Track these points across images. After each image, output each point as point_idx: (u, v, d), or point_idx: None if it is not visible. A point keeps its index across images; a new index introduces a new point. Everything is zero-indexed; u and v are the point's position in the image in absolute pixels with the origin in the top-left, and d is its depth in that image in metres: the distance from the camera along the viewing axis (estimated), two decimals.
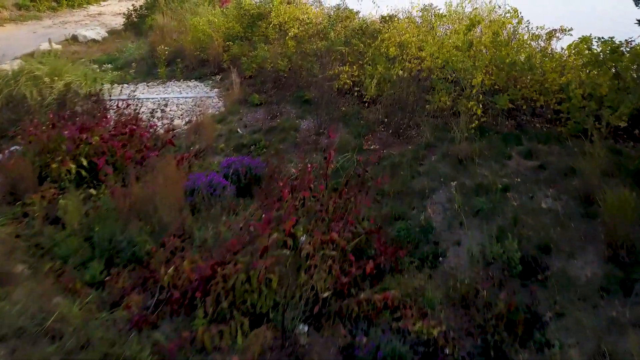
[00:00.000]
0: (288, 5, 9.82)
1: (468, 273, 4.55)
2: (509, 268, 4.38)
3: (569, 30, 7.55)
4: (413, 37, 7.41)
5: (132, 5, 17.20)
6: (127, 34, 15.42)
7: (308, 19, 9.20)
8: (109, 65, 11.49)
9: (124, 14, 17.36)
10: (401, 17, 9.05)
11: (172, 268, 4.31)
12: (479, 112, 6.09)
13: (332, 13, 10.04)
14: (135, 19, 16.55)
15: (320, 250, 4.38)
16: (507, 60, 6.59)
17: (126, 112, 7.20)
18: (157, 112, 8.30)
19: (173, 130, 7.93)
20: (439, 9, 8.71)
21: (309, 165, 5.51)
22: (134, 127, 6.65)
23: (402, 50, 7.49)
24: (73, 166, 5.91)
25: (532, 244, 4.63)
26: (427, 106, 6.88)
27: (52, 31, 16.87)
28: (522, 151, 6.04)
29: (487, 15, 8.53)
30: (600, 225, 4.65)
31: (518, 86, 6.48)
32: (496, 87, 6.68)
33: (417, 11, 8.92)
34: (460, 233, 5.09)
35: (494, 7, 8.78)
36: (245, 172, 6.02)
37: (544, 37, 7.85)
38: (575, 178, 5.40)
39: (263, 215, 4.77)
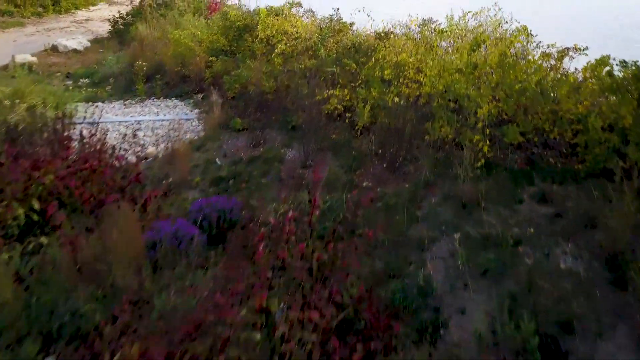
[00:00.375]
0: (276, 18, 9.08)
1: (475, 353, 3.81)
2: (524, 353, 3.64)
3: (583, 50, 6.81)
4: (411, 57, 6.66)
5: (119, 12, 16.46)
6: (110, 44, 14.70)
7: (297, 32, 8.45)
8: (86, 80, 10.76)
9: (109, 20, 16.63)
10: (398, 32, 8.31)
11: (118, 355, 3.58)
12: (485, 149, 5.35)
13: (324, 25, 9.29)
14: (121, 26, 15.83)
15: (298, 332, 3.65)
16: (516, 87, 5.85)
17: (93, 141, 6.46)
18: (129, 138, 7.54)
19: (146, 159, 7.21)
20: (439, 24, 7.96)
21: (290, 213, 4.81)
22: (97, 161, 5.91)
23: (399, 72, 6.74)
24: (21, 211, 5.16)
25: (551, 319, 3.88)
26: (426, 137, 6.13)
27: (34, 39, 16.14)
28: (534, 193, 5.29)
29: (492, 31, 7.79)
30: (633, 297, 3.91)
31: (529, 116, 5.74)
32: (504, 116, 5.95)
33: (415, 25, 8.18)
34: (465, 297, 4.35)
35: (500, 21, 8.03)
36: (218, 217, 5.28)
37: (555, 56, 7.12)
38: (598, 230, 4.66)
39: (236, 270, 4.06)
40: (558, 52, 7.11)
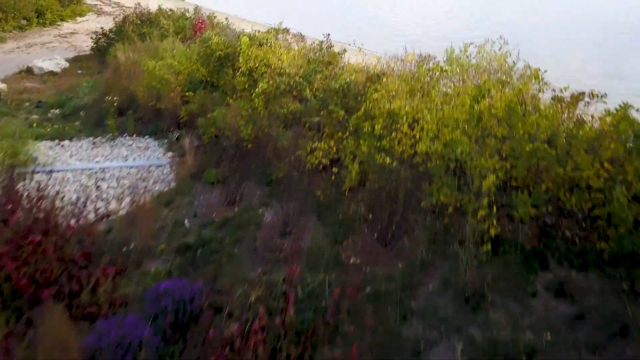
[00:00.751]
0: (260, 48, 8.26)
1: None
2: None
3: (602, 97, 6.01)
4: (405, 104, 5.85)
5: (102, 28, 15.63)
6: (90, 64, 13.93)
7: (281, 67, 7.63)
8: (57, 111, 9.95)
9: (91, 37, 15.80)
10: (393, 66, 7.51)
11: None
12: (492, 231, 4.53)
13: (311, 56, 8.48)
14: (104, 43, 15.05)
15: None
16: (527, 147, 5.05)
17: (42, 203, 5.67)
18: (91, 190, 6.74)
19: (107, 217, 6.41)
20: (437, 60, 7.16)
21: (260, 311, 4.05)
22: (44, 233, 5.11)
23: (392, 122, 5.93)
24: None
25: None
26: (422, 202, 5.33)
27: (12, 57, 15.30)
28: (550, 283, 4.48)
29: (497, 69, 7.00)
30: None
31: (543, 186, 4.93)
32: (513, 182, 5.14)
33: (412, 60, 7.36)
34: None
35: (506, 56, 7.22)
36: (177, 309, 4.48)
37: (568, 100, 6.35)
38: (630, 340, 3.85)
39: None
40: (572, 96, 6.34)
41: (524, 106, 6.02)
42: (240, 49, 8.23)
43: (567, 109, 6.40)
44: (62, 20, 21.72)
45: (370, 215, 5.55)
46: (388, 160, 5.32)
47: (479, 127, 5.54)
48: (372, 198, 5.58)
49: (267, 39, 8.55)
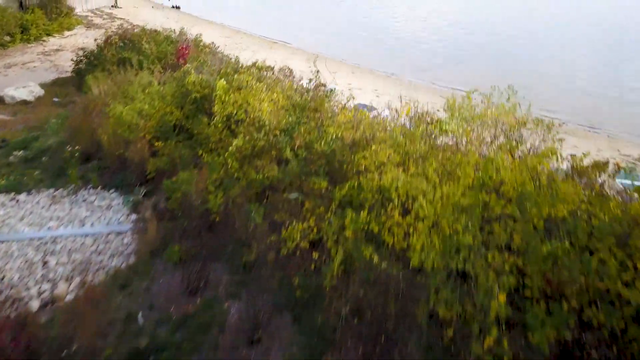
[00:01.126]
0: (239, 92, 7.38)
1: None
2: None
3: (628, 170, 5.13)
4: (399, 180, 4.95)
5: (83, 50, 14.77)
6: (66, 91, 13.06)
7: (260, 119, 6.74)
8: (20, 153, 9.06)
9: (71, 59, 14.94)
10: (385, 115, 6.64)
11: None
12: None
13: (297, 99, 7.64)
14: (85, 66, 14.22)
15: None
16: (545, 249, 4.15)
17: None
18: (36, 267, 5.86)
19: (52, 303, 5.53)
20: (434, 119, 6.27)
21: None
22: None
23: (382, 197, 5.05)
24: None
25: None
26: (417, 310, 4.43)
27: None
28: None
29: (505, 120, 6.15)
30: None
31: (565, 304, 4.02)
32: (527, 293, 4.23)
33: (407, 114, 6.48)
34: None
35: (515, 110, 6.33)
36: None
37: (589, 170, 5.47)
38: None
39: None
40: (593, 166, 5.45)
41: (537, 182, 5.15)
42: (215, 95, 7.35)
43: (587, 178, 5.54)
44: (48, 35, 20.87)
45: (356, 320, 4.64)
46: (376, 258, 4.42)
47: (486, 210, 4.68)
48: (357, 299, 4.68)
49: (247, 81, 7.65)
